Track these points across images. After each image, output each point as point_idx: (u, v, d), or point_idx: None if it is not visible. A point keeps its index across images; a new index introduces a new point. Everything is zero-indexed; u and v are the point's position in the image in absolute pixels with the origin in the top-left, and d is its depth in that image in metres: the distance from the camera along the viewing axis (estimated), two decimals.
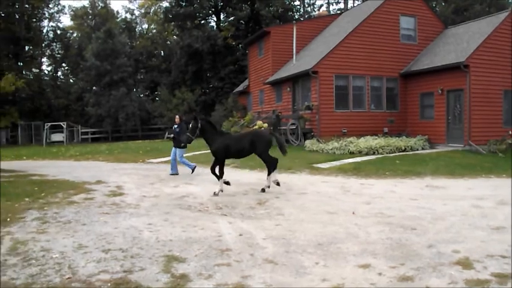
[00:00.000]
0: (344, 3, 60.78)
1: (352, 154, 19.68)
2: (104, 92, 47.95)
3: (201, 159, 18.96)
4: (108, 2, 69.69)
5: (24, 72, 56.30)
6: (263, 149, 11.64)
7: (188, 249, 6.43)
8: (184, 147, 15.60)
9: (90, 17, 68.01)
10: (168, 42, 63.94)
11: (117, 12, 70.73)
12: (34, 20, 59.20)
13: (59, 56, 65.34)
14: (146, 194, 11.43)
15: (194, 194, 11.31)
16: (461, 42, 23.60)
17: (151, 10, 68.47)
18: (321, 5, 64.06)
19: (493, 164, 16.59)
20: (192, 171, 15.46)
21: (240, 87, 39.80)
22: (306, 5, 62.42)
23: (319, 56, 24.70)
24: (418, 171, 14.92)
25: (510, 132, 22.01)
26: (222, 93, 46.32)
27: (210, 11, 54.21)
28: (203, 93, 49.38)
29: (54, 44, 65.32)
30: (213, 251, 6.36)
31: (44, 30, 63.03)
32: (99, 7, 67.40)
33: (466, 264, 5.68)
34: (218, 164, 11.55)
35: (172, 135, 16.62)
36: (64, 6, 78.23)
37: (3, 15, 53.80)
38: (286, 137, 24.22)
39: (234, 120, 31.12)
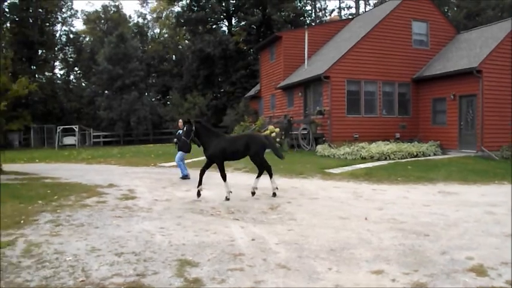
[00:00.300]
0: (355, 8, 60.79)
1: (363, 159, 19.63)
2: (116, 96, 48.18)
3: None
4: (120, 6, 70.15)
5: (37, 75, 56.87)
6: (257, 152, 11.52)
7: (201, 254, 6.44)
8: (187, 151, 15.58)
9: (102, 21, 68.40)
10: (180, 47, 64.11)
11: (130, 16, 71.02)
12: (47, 24, 59.69)
13: (71, 59, 65.77)
14: (158, 198, 11.46)
15: (206, 198, 11.32)
16: (474, 47, 23.48)
17: (163, 15, 68.72)
18: (333, 10, 63.84)
19: (505, 170, 16.46)
20: (183, 178, 15.50)
21: (252, 92, 39.85)
22: (318, 10, 62.45)
23: (331, 61, 24.69)
24: (431, 177, 14.84)
25: None
26: (233, 98, 46.34)
27: (222, 16, 54.30)
28: (214, 98, 49.44)
29: (67, 48, 65.76)
30: (226, 255, 6.37)
31: (57, 34, 63.53)
32: (112, 11, 67.77)
33: (480, 271, 5.65)
34: (218, 166, 11.45)
35: (175, 140, 16.61)
36: (77, 11, 79.03)
37: (17, 19, 54.33)
38: (298, 142, 24.21)
39: (246, 124, 31.15)
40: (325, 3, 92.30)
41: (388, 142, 22.42)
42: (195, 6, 51.57)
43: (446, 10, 49.94)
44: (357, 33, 26.86)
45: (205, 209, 10.02)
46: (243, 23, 52.28)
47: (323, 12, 63.31)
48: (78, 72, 67.13)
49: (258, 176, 11.80)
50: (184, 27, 55.35)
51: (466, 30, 29.31)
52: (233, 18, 54.60)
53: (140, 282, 5.36)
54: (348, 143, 22.40)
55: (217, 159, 11.40)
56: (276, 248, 6.72)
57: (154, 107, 50.32)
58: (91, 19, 68.12)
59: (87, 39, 68.64)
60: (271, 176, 11.73)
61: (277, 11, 49.44)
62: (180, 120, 16.32)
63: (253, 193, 11.59)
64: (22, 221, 8.53)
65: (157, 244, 6.97)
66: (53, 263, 6.06)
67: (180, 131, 15.97)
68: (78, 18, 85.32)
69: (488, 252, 6.46)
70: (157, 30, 72.25)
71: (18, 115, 45.61)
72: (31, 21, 55.22)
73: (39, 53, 58.04)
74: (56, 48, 63.01)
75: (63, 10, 62.94)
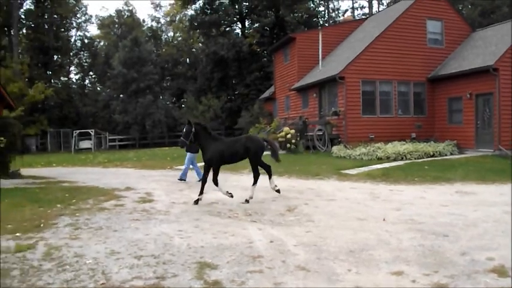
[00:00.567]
0: (369, 8, 60.59)
1: (380, 160, 19.55)
2: (131, 100, 48.51)
3: (228, 166, 18.99)
4: (134, 10, 70.57)
5: (53, 80, 57.49)
6: (256, 153, 11.33)
7: (220, 256, 6.44)
8: (196, 152, 15.58)
9: (116, 25, 68.91)
10: (194, 50, 64.40)
11: (143, 20, 71.48)
12: (62, 29, 60.39)
13: (86, 64, 66.41)
14: (175, 201, 11.47)
15: (223, 201, 11.30)
16: (489, 45, 23.30)
17: (177, 18, 69.08)
18: (346, 10, 63.74)
19: None
20: (180, 179, 15.61)
21: (266, 94, 39.89)
22: (331, 11, 62.36)
23: (345, 62, 24.65)
24: (448, 177, 14.72)
25: None
26: (247, 100, 46.43)
27: (235, 18, 54.46)
28: (229, 100, 49.59)
29: (82, 52, 66.46)
30: (245, 257, 6.36)
31: (72, 40, 64.29)
32: (126, 16, 68.27)
33: (501, 272, 5.58)
34: (214, 170, 11.32)
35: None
36: (91, 16, 79.66)
37: (33, 25, 54.95)
38: (313, 143, 24.19)
39: (261, 126, 31.21)
40: (338, 4, 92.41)
41: (404, 142, 22.29)
42: (208, 9, 51.79)
43: (460, 8, 49.58)
44: (371, 33, 26.79)
45: (223, 211, 10.02)
46: (256, 25, 52.39)
47: (336, 12, 63.31)
48: (93, 76, 67.73)
49: (254, 183, 11.45)
50: (198, 30, 55.62)
51: (481, 28, 29.06)
52: (246, 21, 54.74)
53: (160, 285, 5.36)
54: (363, 143, 22.33)
55: (214, 164, 11.26)
56: (295, 249, 6.71)
57: (169, 110, 50.60)
58: (105, 24, 68.72)
59: (102, 43, 69.27)
60: (270, 176, 11.56)
61: (290, 12, 49.44)
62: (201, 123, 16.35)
63: (247, 201, 11.11)
64: (42, 225, 8.57)
65: (176, 247, 6.97)
66: (73, 266, 6.08)
67: None
68: (93, 23, 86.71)
69: (509, 252, 6.38)
70: (171, 34, 72.68)
71: (35, 120, 46.19)
72: (46, 27, 55.87)
73: (55, 58, 58.64)
74: (71, 53, 63.73)
75: (78, 15, 63.73)
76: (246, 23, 54.98)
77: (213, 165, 11.32)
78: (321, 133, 24.58)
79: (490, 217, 8.77)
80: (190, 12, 58.35)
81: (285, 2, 47.87)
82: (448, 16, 26.39)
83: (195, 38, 63.53)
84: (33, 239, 7.48)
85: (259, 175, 11.46)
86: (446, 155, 21.06)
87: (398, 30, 25.12)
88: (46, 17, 55.97)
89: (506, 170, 16.02)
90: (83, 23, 66.03)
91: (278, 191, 11.71)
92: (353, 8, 64.78)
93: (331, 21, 58.31)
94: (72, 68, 66.98)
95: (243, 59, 48.71)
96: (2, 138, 16.14)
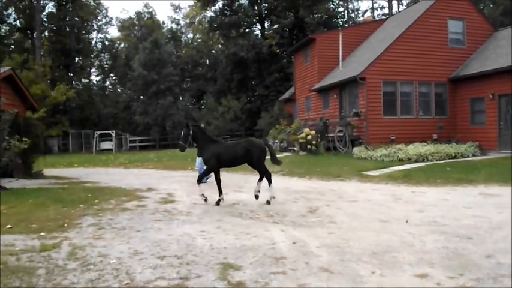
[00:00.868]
0: (388, 8, 60.22)
1: (401, 161, 19.41)
2: (151, 101, 48.84)
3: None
4: (154, 12, 71.06)
5: (74, 82, 58.23)
6: (259, 157, 11.07)
7: (243, 257, 6.44)
8: None
9: (136, 27, 69.50)
10: (213, 51, 64.61)
11: (163, 22, 71.91)
12: (83, 32, 61.14)
13: (107, 66, 67.08)
14: (197, 202, 11.49)
15: (244, 202, 11.33)
16: None
17: (196, 20, 69.37)
18: (365, 11, 63.45)
19: None
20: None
21: (286, 95, 39.87)
22: (350, 11, 62.09)
23: (366, 62, 24.55)
24: (471, 178, 14.53)
25: None
26: (267, 101, 46.40)
27: (255, 20, 54.52)
28: (249, 101, 49.63)
29: (103, 54, 67.19)
30: (268, 258, 6.35)
31: (93, 42, 65.02)
32: (146, 18, 68.75)
33: None
34: (214, 173, 11.29)
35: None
36: (112, 18, 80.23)
37: (54, 28, 55.69)
38: (334, 144, 24.12)
39: (281, 128, 31.17)
40: (358, 4, 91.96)
41: (425, 143, 22.10)
42: (227, 11, 51.98)
43: (482, 7, 49.01)
44: (392, 33, 26.63)
45: (244, 212, 10.03)
46: (275, 26, 52.41)
47: (356, 13, 63.03)
48: (114, 78, 68.39)
49: (270, 183, 11.17)
50: (218, 32, 55.84)
51: (503, 27, 28.70)
52: (266, 22, 54.79)
53: (184, 285, 5.37)
54: (384, 144, 22.19)
55: (209, 165, 11.21)
56: (318, 251, 6.69)
57: (189, 112, 50.82)
58: (125, 26, 69.33)
59: (122, 45, 69.86)
60: (270, 183, 11.14)
61: (310, 13, 49.30)
62: (202, 125, 16.32)
63: (268, 202, 11.02)
64: (65, 225, 8.67)
65: (199, 247, 6.99)
66: (97, 265, 6.12)
67: None
68: (113, 25, 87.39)
69: None
70: (190, 35, 73.05)
71: (56, 121, 46.79)
72: (68, 29, 56.65)
73: (76, 60, 59.42)
74: (92, 55, 64.48)
75: (99, 18, 64.51)
76: (266, 24, 55.03)
77: (208, 165, 11.29)
78: (342, 134, 24.49)
79: None
80: (209, 13, 58.72)
81: (304, 2, 47.80)
82: (470, 16, 26.09)
83: (214, 40, 63.77)
84: (57, 239, 7.57)
85: (270, 174, 11.29)
86: (468, 157, 20.82)
87: (419, 30, 24.92)
88: (67, 19, 56.71)
89: None
90: (103, 25, 66.92)
91: (257, 197, 11.32)
92: (373, 9, 64.47)
93: (350, 22, 58.05)
94: (93, 70, 67.89)
95: (262, 60, 48.72)
96: (26, 139, 16.35)
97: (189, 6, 71.12)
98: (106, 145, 46.79)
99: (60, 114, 49.31)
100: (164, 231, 8.19)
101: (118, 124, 56.13)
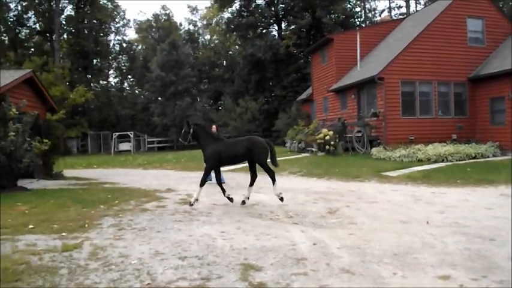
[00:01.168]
0: (406, 7, 59.81)
1: (420, 162, 19.26)
2: (169, 102, 49.12)
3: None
4: (171, 14, 71.41)
5: (92, 84, 58.80)
6: (260, 155, 10.98)
7: (264, 258, 6.44)
8: None
9: (154, 29, 69.91)
10: (231, 52, 64.76)
11: (180, 24, 72.18)
12: (101, 34, 61.77)
13: (125, 68, 67.61)
14: (216, 202, 11.54)
15: (263, 202, 11.35)
16: None
17: (214, 21, 69.55)
18: (383, 10, 63.12)
19: None
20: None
21: (303, 95, 39.76)
22: (368, 11, 61.81)
23: (384, 62, 24.41)
24: (491, 179, 14.39)
25: None
26: (285, 102, 46.28)
27: (272, 20, 54.49)
28: (266, 102, 49.60)
29: (121, 56, 67.74)
30: (289, 259, 6.34)
31: (111, 44, 65.59)
32: (163, 20, 69.12)
33: None
34: (213, 170, 11.30)
35: None
36: (129, 20, 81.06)
37: (73, 31, 56.30)
38: (352, 145, 24.03)
39: (299, 128, 31.12)
40: (375, 4, 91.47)
41: (444, 144, 21.90)
42: (244, 12, 51.99)
43: (501, 5, 48.43)
44: (410, 33, 26.45)
45: (264, 213, 10.04)
46: (292, 26, 52.21)
47: (373, 13, 62.75)
48: (132, 80, 68.91)
49: (273, 182, 11.10)
50: (235, 33, 55.86)
51: None
52: (283, 22, 54.72)
53: (206, 286, 5.39)
54: (403, 145, 22.03)
55: (208, 162, 11.19)
56: (338, 252, 6.67)
57: (207, 113, 51.02)
58: (143, 28, 69.79)
59: (140, 47, 70.34)
60: (274, 182, 11.08)
61: (327, 13, 49.10)
62: (214, 126, 16.29)
63: (281, 198, 10.98)
64: (86, 225, 8.76)
65: (220, 248, 7.01)
66: (118, 266, 6.16)
67: None
68: (131, 27, 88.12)
69: None
70: (207, 37, 73.31)
71: (75, 122, 47.27)
72: (86, 32, 57.29)
73: (94, 62, 60.02)
74: (110, 57, 65.06)
75: (116, 20, 65.02)
76: (283, 25, 54.96)
77: (207, 163, 11.27)
78: (360, 135, 24.38)
79: None
80: (226, 15, 58.81)
81: (321, 3, 47.63)
82: (489, 14, 25.77)
83: (231, 41, 63.85)
84: (79, 239, 7.64)
85: (274, 172, 11.22)
86: (488, 157, 20.60)
87: (437, 29, 24.71)
88: (86, 22, 57.34)
89: None
90: (121, 28, 67.50)
91: (244, 202, 11.28)
92: (390, 8, 64.13)
93: (368, 22, 57.83)
94: (111, 72, 68.46)
95: (279, 61, 48.66)
96: (46, 141, 16.56)
97: (206, 7, 71.47)
98: (124, 146, 47.18)
99: (79, 116, 49.85)
100: (184, 231, 8.22)
101: (136, 125, 56.57)
